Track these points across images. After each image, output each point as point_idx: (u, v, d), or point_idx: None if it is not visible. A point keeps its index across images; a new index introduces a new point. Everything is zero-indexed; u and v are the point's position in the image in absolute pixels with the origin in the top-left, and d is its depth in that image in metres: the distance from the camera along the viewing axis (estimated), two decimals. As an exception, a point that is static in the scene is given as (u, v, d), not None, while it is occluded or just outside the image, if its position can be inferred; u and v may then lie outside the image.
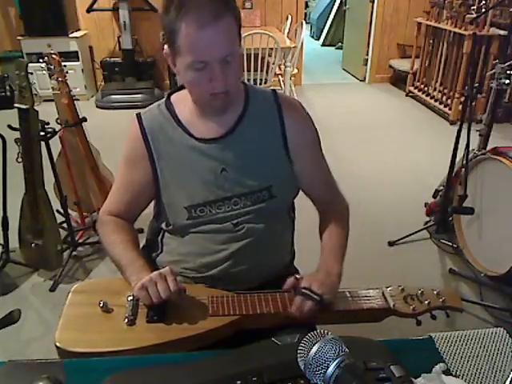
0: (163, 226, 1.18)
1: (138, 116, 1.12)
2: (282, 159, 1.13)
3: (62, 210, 2.36)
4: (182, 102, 1.12)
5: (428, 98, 4.98)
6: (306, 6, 8.09)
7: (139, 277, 0.98)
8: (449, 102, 4.60)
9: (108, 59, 5.45)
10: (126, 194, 1.15)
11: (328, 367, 0.62)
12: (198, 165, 1.09)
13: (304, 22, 4.88)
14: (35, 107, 1.98)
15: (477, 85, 2.96)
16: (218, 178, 1.09)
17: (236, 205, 1.10)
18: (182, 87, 1.16)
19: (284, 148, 1.12)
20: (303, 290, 0.97)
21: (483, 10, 3.89)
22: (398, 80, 5.86)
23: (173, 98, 1.14)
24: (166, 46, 1.00)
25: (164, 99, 1.15)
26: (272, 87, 3.55)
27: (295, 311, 0.96)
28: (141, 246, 1.28)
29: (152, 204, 1.23)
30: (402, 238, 2.59)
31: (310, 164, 1.17)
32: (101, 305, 0.98)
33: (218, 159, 1.09)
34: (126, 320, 0.96)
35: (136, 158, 1.12)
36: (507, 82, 2.26)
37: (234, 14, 0.94)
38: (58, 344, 0.92)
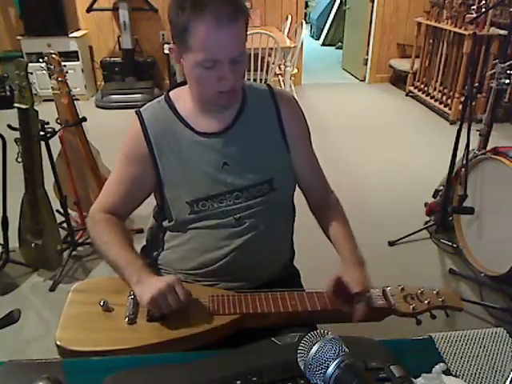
0: (165, 223, 1.17)
1: (138, 113, 1.13)
2: (281, 150, 1.15)
3: (62, 210, 2.35)
4: (182, 97, 1.13)
5: (428, 98, 4.98)
6: (306, 5, 8.09)
7: (140, 277, 0.98)
8: (449, 101, 4.60)
9: (108, 59, 5.45)
10: (123, 186, 1.13)
11: (328, 367, 0.62)
12: (200, 159, 1.10)
13: (304, 22, 4.88)
14: (35, 107, 1.98)
15: (477, 85, 2.96)
16: (219, 172, 1.10)
17: (237, 199, 1.11)
18: (178, 84, 1.17)
19: (282, 137, 1.15)
20: (361, 297, 0.98)
21: (483, 9, 3.89)
22: (398, 80, 5.85)
23: (171, 94, 1.15)
24: (171, 43, 1.02)
25: (163, 96, 1.15)
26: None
27: (360, 318, 0.98)
28: (141, 246, 1.29)
29: (151, 205, 1.23)
30: (401, 238, 2.59)
31: (304, 153, 1.20)
32: (101, 304, 0.98)
33: (220, 153, 1.10)
34: (127, 319, 0.96)
35: (136, 155, 1.12)
36: (507, 81, 2.26)
37: (245, 16, 0.98)
38: (58, 343, 0.92)
